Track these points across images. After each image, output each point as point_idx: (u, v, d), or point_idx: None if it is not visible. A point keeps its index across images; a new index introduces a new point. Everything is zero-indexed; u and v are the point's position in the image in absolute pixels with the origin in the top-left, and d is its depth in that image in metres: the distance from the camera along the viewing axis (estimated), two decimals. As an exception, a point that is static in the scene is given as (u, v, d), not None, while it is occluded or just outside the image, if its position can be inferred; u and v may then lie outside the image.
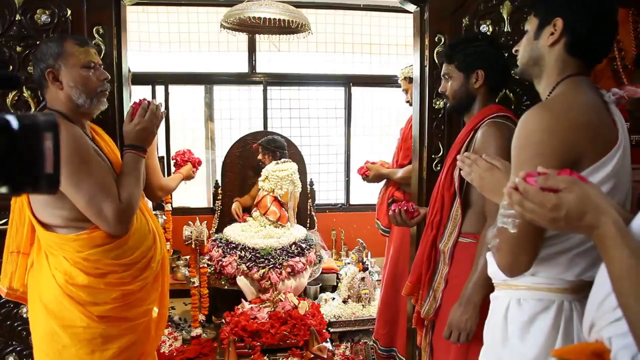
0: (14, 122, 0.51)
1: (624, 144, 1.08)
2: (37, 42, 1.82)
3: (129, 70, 2.14)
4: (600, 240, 0.82)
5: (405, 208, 1.86)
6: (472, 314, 1.54)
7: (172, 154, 2.38)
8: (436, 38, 2.00)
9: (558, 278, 1.14)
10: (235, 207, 3.87)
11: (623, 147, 1.07)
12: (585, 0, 1.12)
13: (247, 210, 3.89)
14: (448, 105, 1.82)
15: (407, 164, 2.66)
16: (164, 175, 2.10)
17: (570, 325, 1.14)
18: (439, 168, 2.05)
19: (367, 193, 2.90)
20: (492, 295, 1.31)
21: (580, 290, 1.14)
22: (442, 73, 1.80)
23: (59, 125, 0.54)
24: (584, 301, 1.13)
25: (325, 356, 2.62)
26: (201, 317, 3.30)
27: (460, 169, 1.39)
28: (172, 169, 2.27)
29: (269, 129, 4.43)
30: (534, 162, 1.01)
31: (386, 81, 4.69)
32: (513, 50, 1.29)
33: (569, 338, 1.14)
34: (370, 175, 2.83)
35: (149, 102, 1.63)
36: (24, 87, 1.85)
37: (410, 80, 2.69)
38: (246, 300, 3.13)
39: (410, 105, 2.69)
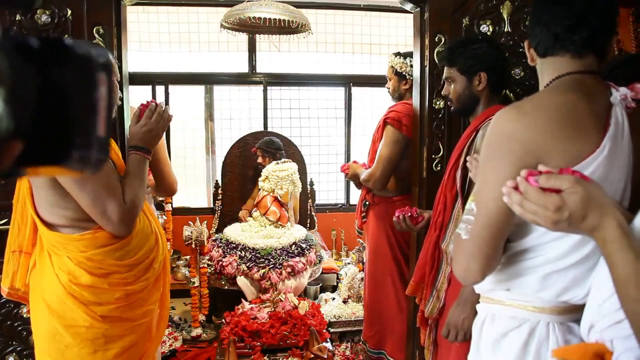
0: (65, 46, 0.32)
1: (608, 151, 0.95)
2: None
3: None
4: (603, 242, 0.80)
5: (409, 214, 1.84)
6: (470, 313, 1.54)
7: (172, 154, 2.37)
8: (436, 38, 2.00)
9: (534, 296, 1.08)
10: (243, 214, 3.89)
11: (607, 155, 0.95)
12: None
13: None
14: (452, 108, 1.80)
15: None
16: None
17: (544, 348, 1.08)
18: (439, 168, 2.06)
19: (367, 193, 2.92)
20: (477, 307, 1.28)
21: (563, 312, 1.08)
22: (444, 76, 1.80)
23: (113, 64, 0.39)
24: (568, 324, 1.08)
25: (326, 356, 2.62)
26: (201, 317, 3.31)
27: (462, 171, 1.39)
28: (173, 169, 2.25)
29: (269, 129, 4.42)
30: (492, 161, 0.98)
31: (386, 81, 4.69)
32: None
33: None
34: (349, 173, 2.85)
35: (156, 104, 1.65)
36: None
37: (394, 71, 2.67)
38: (246, 300, 3.13)
39: (391, 94, 2.72)
